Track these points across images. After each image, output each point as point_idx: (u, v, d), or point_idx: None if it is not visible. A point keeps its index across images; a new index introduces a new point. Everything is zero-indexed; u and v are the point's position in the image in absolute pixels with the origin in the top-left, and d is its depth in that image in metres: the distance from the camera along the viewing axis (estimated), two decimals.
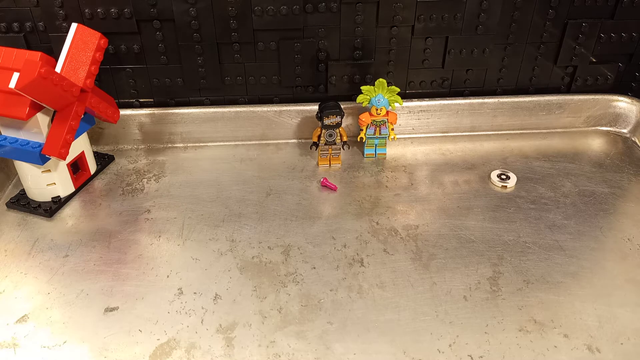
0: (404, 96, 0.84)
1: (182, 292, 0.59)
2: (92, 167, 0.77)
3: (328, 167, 0.78)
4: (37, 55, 0.62)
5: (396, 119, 0.78)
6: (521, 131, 0.86)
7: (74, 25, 0.66)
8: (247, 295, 0.58)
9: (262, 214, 0.69)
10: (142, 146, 0.83)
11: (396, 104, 0.76)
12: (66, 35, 0.66)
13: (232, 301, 0.58)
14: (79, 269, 0.62)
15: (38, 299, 0.58)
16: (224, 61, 0.79)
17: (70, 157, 0.71)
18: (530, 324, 0.55)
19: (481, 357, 0.52)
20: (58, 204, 0.71)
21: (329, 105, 0.74)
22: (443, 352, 0.52)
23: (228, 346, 0.53)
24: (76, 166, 0.74)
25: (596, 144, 0.83)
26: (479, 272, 0.61)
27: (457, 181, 0.75)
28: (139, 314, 0.56)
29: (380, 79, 0.74)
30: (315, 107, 0.79)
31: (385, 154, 0.80)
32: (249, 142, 0.84)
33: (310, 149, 0.82)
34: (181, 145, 0.83)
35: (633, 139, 0.84)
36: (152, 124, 0.82)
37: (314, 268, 0.61)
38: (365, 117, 0.77)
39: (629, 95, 0.85)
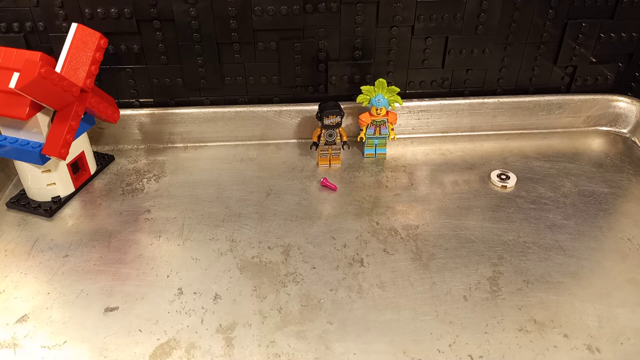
0: (404, 96, 0.84)
1: (182, 292, 0.59)
2: (92, 167, 0.77)
3: (328, 167, 0.78)
4: (37, 55, 0.62)
5: (396, 119, 0.78)
6: (521, 131, 0.86)
7: (74, 25, 0.66)
8: (247, 295, 0.58)
9: (262, 214, 0.69)
10: (142, 146, 0.83)
11: (396, 104, 0.76)
12: (66, 35, 0.66)
13: (232, 301, 0.58)
14: (79, 269, 0.62)
15: (38, 299, 0.58)
16: (224, 61, 0.79)
17: (70, 157, 0.71)
18: (530, 324, 0.55)
19: (481, 357, 0.52)
20: (58, 204, 0.71)
21: (329, 105, 0.74)
22: (443, 352, 0.52)
23: (228, 346, 0.53)
24: (76, 166, 0.74)
25: (596, 144, 0.83)
26: (479, 272, 0.61)
27: (457, 181, 0.75)
28: (139, 314, 0.56)
29: (380, 79, 0.74)
30: (315, 107, 0.79)
31: (385, 154, 0.80)
32: (249, 142, 0.84)
33: (310, 149, 0.82)
34: (181, 145, 0.83)
35: (633, 139, 0.84)
36: (152, 124, 0.82)
37: (314, 268, 0.61)
38: (365, 117, 0.77)
39: (628, 95, 0.85)
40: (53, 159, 0.68)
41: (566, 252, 0.63)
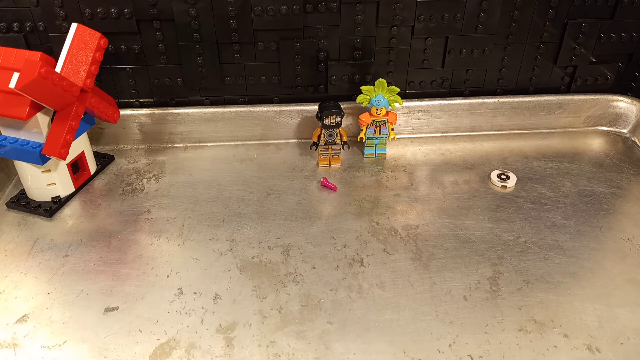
0: (404, 96, 0.84)
1: (182, 292, 0.59)
2: (92, 167, 0.77)
3: (328, 167, 0.78)
4: (37, 55, 0.62)
5: (396, 119, 0.78)
6: (521, 131, 0.86)
7: (74, 25, 0.66)
8: (247, 295, 0.58)
9: (262, 214, 0.69)
10: (142, 146, 0.83)
11: (396, 104, 0.76)
12: (66, 35, 0.66)
13: (232, 301, 0.58)
14: (79, 269, 0.62)
15: (38, 299, 0.58)
16: (224, 61, 0.79)
17: (70, 157, 0.71)
18: (530, 324, 0.55)
19: (481, 357, 0.52)
20: (58, 204, 0.71)
21: (329, 105, 0.74)
22: (443, 352, 0.52)
23: (228, 346, 0.53)
24: (76, 166, 0.74)
25: (596, 144, 0.83)
26: (479, 272, 0.61)
27: (457, 181, 0.75)
28: (139, 314, 0.56)
29: (380, 79, 0.74)
30: (315, 107, 0.79)
31: (385, 154, 0.80)
32: (249, 142, 0.84)
33: (310, 149, 0.82)
34: (181, 145, 0.83)
35: (633, 139, 0.84)
36: (152, 124, 0.82)
37: (314, 268, 0.61)
38: (365, 117, 0.77)
39: (628, 95, 0.85)
40: (53, 159, 0.68)
41: (566, 252, 0.63)
